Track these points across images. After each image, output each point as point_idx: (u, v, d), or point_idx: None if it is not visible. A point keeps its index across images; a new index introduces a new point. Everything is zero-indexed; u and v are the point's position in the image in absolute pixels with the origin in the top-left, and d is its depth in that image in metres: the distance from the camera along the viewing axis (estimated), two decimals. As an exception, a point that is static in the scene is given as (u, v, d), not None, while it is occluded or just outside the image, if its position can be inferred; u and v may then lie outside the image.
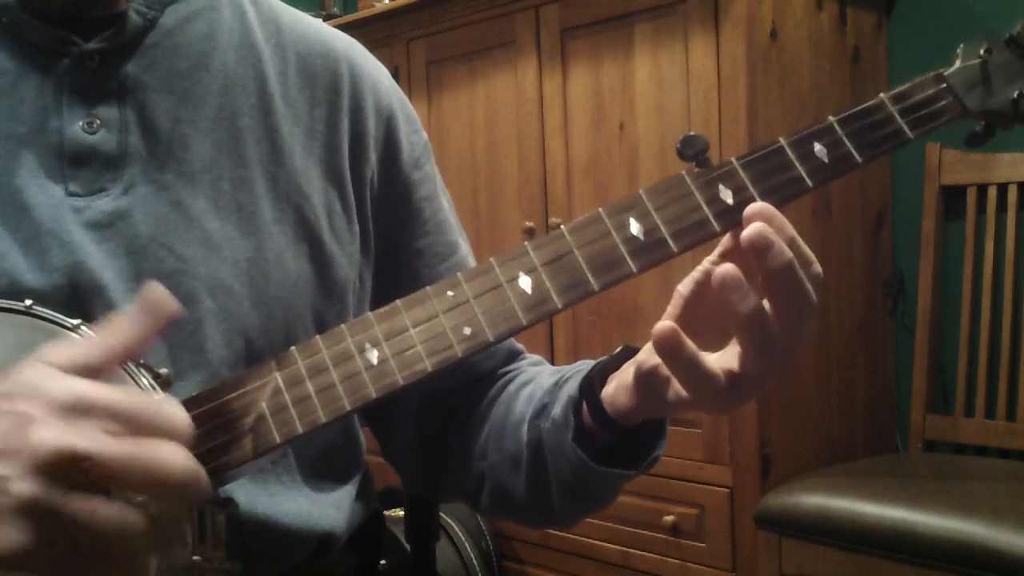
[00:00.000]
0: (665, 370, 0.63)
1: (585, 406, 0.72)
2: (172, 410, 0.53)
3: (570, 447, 0.71)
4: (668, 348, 0.60)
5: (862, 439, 2.17)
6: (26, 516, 0.49)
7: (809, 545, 1.71)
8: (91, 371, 0.54)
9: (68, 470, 0.49)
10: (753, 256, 0.59)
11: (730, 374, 0.61)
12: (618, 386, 0.69)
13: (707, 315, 0.64)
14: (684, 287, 0.65)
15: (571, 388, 0.73)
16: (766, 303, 0.60)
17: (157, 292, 0.57)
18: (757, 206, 0.61)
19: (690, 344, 0.60)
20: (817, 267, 0.61)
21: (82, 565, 0.51)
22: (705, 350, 0.62)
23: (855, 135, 0.65)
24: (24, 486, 0.49)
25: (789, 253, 0.59)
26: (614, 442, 0.72)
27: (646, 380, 0.66)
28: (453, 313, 0.64)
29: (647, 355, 0.66)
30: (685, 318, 0.64)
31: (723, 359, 0.62)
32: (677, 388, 0.64)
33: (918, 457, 2.04)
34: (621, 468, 0.71)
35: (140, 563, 0.52)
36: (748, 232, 0.59)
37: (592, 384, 0.71)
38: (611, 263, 0.63)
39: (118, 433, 0.51)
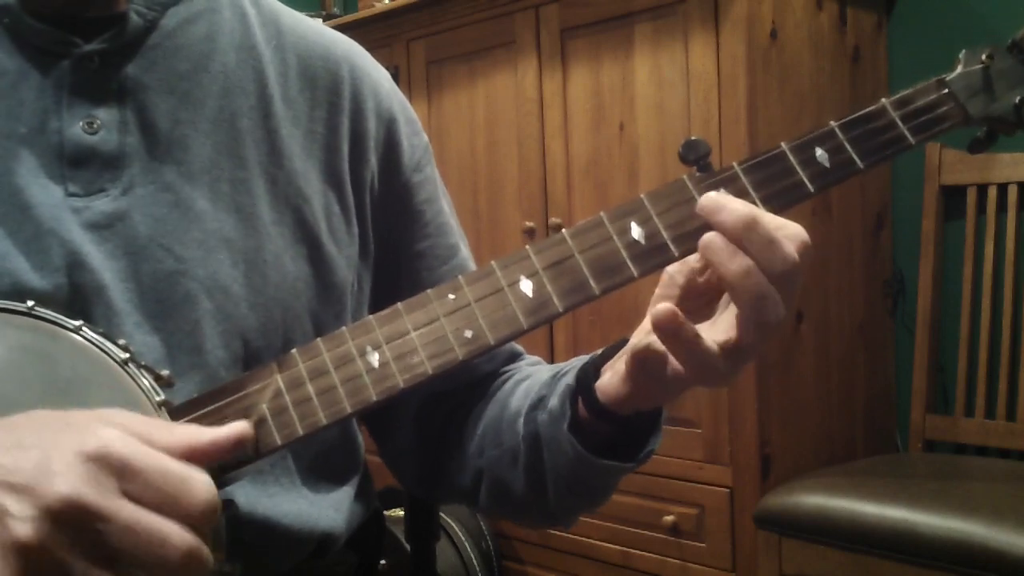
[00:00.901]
0: (660, 349, 0.64)
1: (581, 399, 0.72)
2: (198, 489, 0.53)
3: (566, 437, 0.71)
4: (669, 329, 0.61)
5: (862, 439, 2.17)
6: (20, 556, 0.49)
7: (809, 545, 1.71)
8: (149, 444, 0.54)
9: (77, 523, 0.49)
10: (714, 223, 0.61)
11: (726, 344, 0.62)
12: (612, 375, 0.69)
13: (694, 295, 0.65)
14: (674, 268, 0.66)
15: (568, 380, 0.74)
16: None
17: (243, 427, 0.58)
18: (706, 198, 0.62)
19: (689, 324, 0.61)
20: (793, 227, 0.61)
21: None
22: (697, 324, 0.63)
23: (857, 140, 0.65)
24: (27, 525, 0.49)
25: (743, 207, 0.60)
26: (610, 435, 0.72)
27: (641, 361, 0.66)
28: (454, 316, 0.64)
29: (641, 338, 0.66)
30: (677, 298, 0.65)
31: (715, 330, 0.63)
32: (674, 366, 0.64)
33: (918, 457, 2.04)
34: (616, 461, 0.71)
35: None
36: (698, 204, 0.62)
37: (588, 376, 0.72)
38: (612, 267, 0.63)
39: (137, 497, 0.51)
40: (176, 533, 0.51)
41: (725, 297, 0.65)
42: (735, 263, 0.60)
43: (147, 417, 0.56)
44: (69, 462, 0.50)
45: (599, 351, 0.74)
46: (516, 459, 0.78)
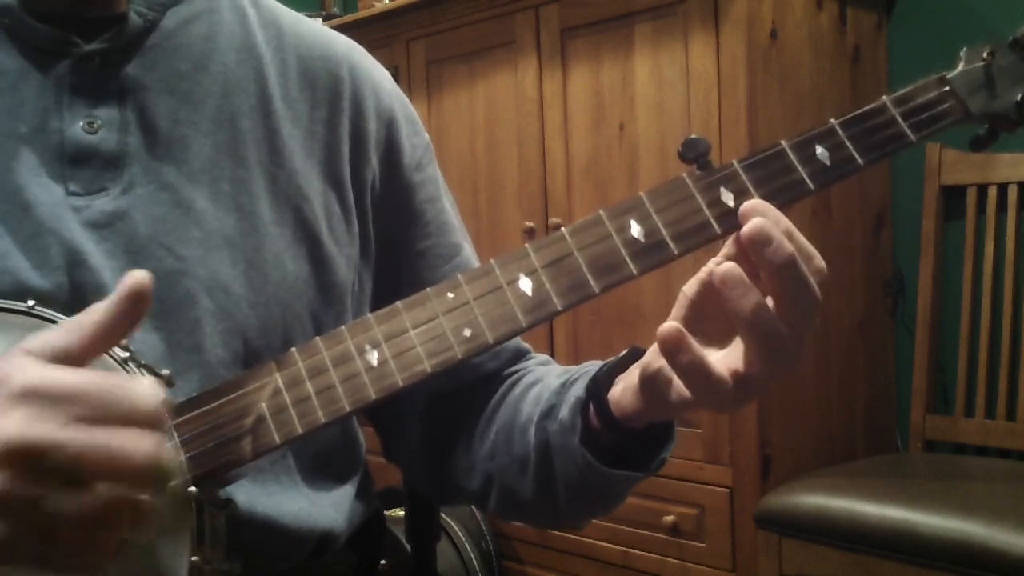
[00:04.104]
0: (668, 371, 0.63)
1: (592, 408, 0.72)
2: (139, 391, 0.53)
3: (577, 449, 0.71)
4: (672, 349, 0.60)
5: (862, 439, 2.17)
6: None
7: (809, 545, 1.71)
8: (70, 358, 0.54)
9: (32, 462, 0.50)
10: (753, 252, 0.59)
11: (735, 374, 0.61)
12: (624, 388, 0.69)
13: (712, 317, 0.64)
14: (689, 288, 0.65)
15: (578, 390, 0.73)
16: (769, 301, 0.60)
17: (136, 275, 0.57)
18: (752, 202, 0.61)
19: (695, 345, 0.60)
20: (820, 261, 0.61)
21: (62, 554, 0.52)
22: (710, 349, 0.62)
23: (857, 138, 0.65)
24: None
25: (789, 246, 0.58)
26: (621, 444, 0.72)
27: (650, 381, 0.65)
28: (453, 315, 0.64)
29: (652, 356, 0.65)
30: (690, 320, 0.64)
31: (728, 359, 0.62)
32: (679, 388, 0.63)
33: (918, 457, 2.04)
34: (628, 470, 0.71)
35: (125, 548, 0.53)
36: (747, 229, 0.59)
37: (599, 386, 0.71)
38: (612, 265, 0.63)
39: (84, 419, 0.51)
40: (132, 440, 0.51)
41: None
42: (748, 300, 0.58)
43: (49, 332, 0.55)
44: (6, 406, 0.50)
45: (611, 360, 0.73)
46: (526, 467, 0.78)
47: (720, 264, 0.60)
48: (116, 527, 0.52)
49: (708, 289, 0.63)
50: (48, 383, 0.51)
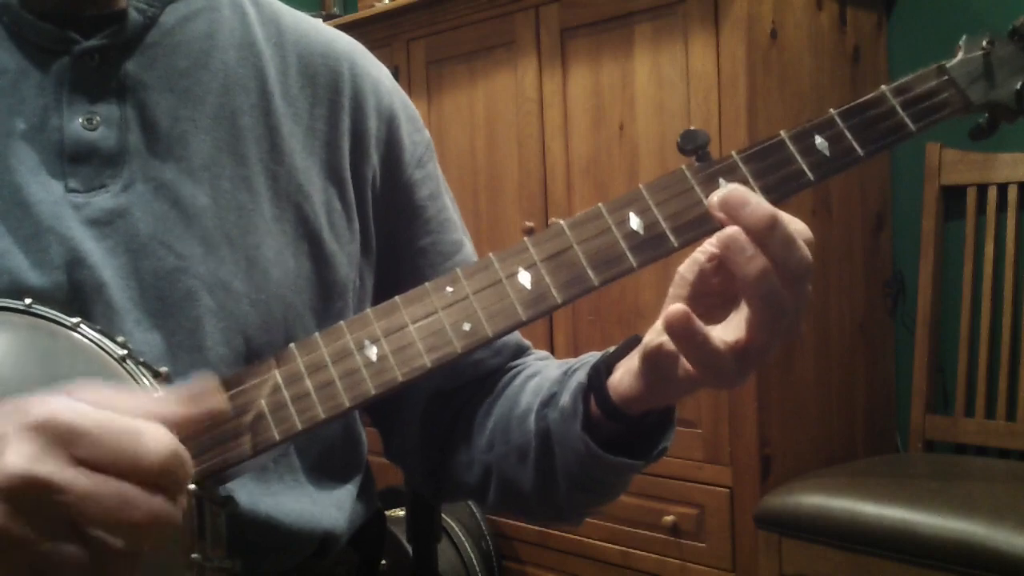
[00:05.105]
0: (671, 348, 0.63)
1: (592, 397, 0.72)
2: (150, 442, 0.50)
3: (578, 436, 0.71)
4: (681, 330, 0.60)
5: (862, 439, 2.17)
6: None
7: (809, 545, 1.71)
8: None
9: (33, 499, 0.48)
10: (732, 215, 0.59)
11: (736, 345, 0.61)
12: (624, 372, 0.69)
13: (708, 294, 0.64)
14: (685, 268, 0.65)
15: (580, 377, 0.73)
16: None
17: (208, 383, 0.56)
18: (714, 200, 0.61)
19: (701, 324, 0.60)
20: (800, 224, 0.61)
21: None
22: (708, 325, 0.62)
23: (857, 128, 0.64)
24: None
25: (765, 204, 0.59)
26: (621, 433, 0.72)
27: (653, 360, 0.65)
28: (452, 309, 0.63)
29: (652, 336, 0.65)
30: (689, 298, 0.64)
31: (727, 331, 0.62)
32: (685, 366, 0.64)
33: (918, 457, 2.04)
34: (628, 459, 0.71)
35: None
36: (719, 194, 0.60)
37: (599, 374, 0.71)
38: (611, 259, 0.63)
39: (91, 461, 0.49)
40: (136, 493, 0.49)
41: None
42: (754, 264, 0.58)
43: (115, 389, 0.54)
44: (15, 438, 0.49)
45: (611, 348, 0.73)
46: (526, 456, 0.78)
47: (724, 230, 0.60)
48: (98, 571, 0.50)
49: (704, 268, 0.64)
50: (62, 417, 0.49)
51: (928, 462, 1.96)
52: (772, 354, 0.62)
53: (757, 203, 0.59)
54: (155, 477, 0.50)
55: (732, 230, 0.59)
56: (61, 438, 0.49)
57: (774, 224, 0.59)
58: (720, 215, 0.60)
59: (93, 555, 0.49)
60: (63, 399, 0.51)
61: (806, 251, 0.60)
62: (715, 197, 0.60)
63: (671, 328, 0.60)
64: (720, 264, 0.63)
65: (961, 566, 1.51)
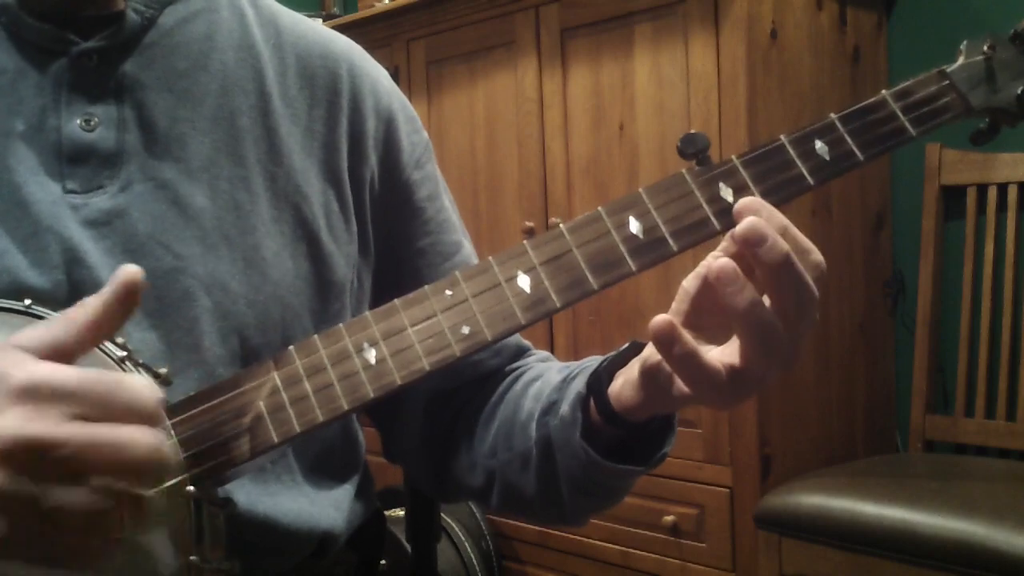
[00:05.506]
0: (668, 368, 0.63)
1: (592, 403, 0.72)
2: (137, 387, 0.53)
3: (579, 444, 0.71)
4: (664, 341, 0.59)
5: (862, 439, 2.17)
6: None
7: (809, 545, 1.71)
8: (62, 352, 0.54)
9: (32, 459, 0.50)
10: (747, 251, 0.58)
11: (731, 369, 0.60)
12: (625, 382, 0.69)
13: (712, 311, 0.64)
14: (689, 283, 0.64)
15: (579, 385, 0.73)
16: (766, 298, 0.59)
17: (127, 269, 0.57)
18: (746, 200, 0.61)
19: (687, 338, 0.59)
20: (817, 256, 0.61)
21: (62, 550, 0.52)
22: (710, 344, 0.62)
23: (857, 133, 0.64)
24: None
25: (784, 245, 0.58)
26: (622, 438, 0.72)
27: (651, 374, 0.66)
28: (451, 312, 0.63)
29: (652, 350, 0.65)
30: (691, 314, 0.64)
31: (725, 353, 0.62)
32: (680, 383, 0.63)
33: (918, 457, 2.04)
34: (630, 464, 0.71)
35: (122, 543, 0.53)
36: (740, 228, 0.58)
37: (599, 381, 0.71)
38: (610, 262, 0.63)
39: (82, 416, 0.51)
40: (132, 435, 0.52)
41: None
42: (743, 296, 0.58)
43: (39, 327, 0.55)
44: (4, 403, 0.51)
45: (611, 353, 0.73)
46: (528, 463, 0.78)
47: (716, 260, 0.59)
48: (114, 521, 0.52)
49: (707, 284, 0.63)
50: (47, 380, 0.52)
51: (928, 462, 1.96)
52: (768, 381, 0.61)
53: (773, 243, 0.58)
54: (146, 419, 0.53)
55: (724, 262, 0.58)
56: (50, 398, 0.51)
57: (786, 263, 0.58)
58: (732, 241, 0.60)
59: (99, 504, 0.51)
60: (29, 359, 0.53)
61: (813, 288, 0.59)
62: (741, 228, 0.58)
63: (655, 337, 0.60)
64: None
65: (961, 566, 1.51)
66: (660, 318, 0.59)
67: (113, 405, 0.52)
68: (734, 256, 0.61)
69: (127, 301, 0.57)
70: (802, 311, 0.59)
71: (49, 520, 0.51)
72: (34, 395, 0.51)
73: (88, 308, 0.56)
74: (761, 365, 0.60)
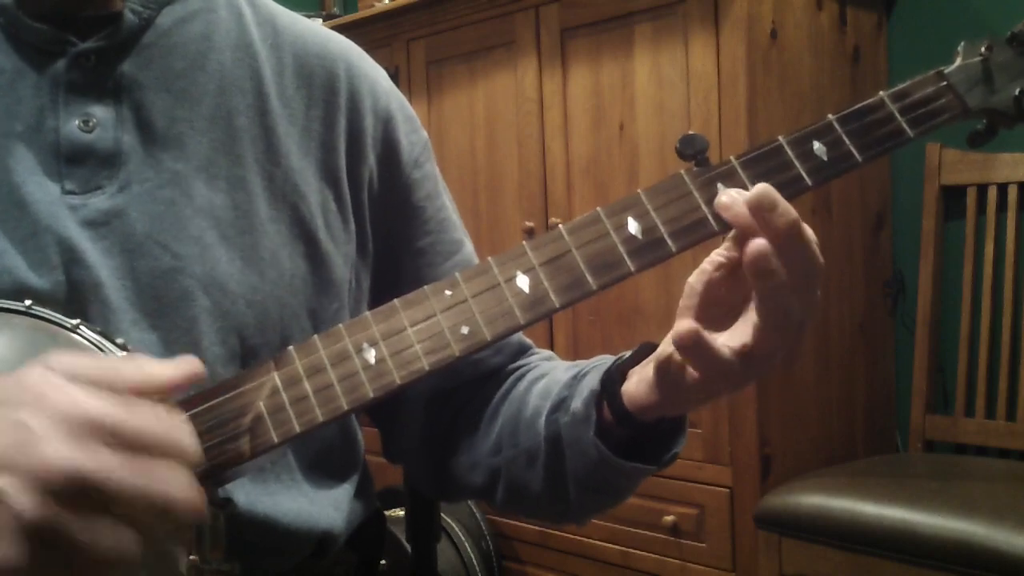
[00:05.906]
0: (679, 358, 0.64)
1: (606, 401, 0.72)
2: (181, 434, 0.53)
3: (590, 441, 0.72)
4: (692, 346, 0.61)
5: (862, 439, 2.17)
6: (25, 534, 0.48)
7: (809, 545, 1.71)
8: (97, 386, 0.53)
9: (77, 493, 0.49)
10: (760, 219, 0.60)
11: (743, 350, 0.62)
12: (639, 381, 0.69)
13: (716, 303, 0.65)
14: (695, 279, 0.65)
15: (592, 382, 0.73)
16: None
17: (195, 364, 0.57)
18: (733, 189, 0.62)
19: (710, 339, 0.61)
20: (810, 231, 0.62)
21: None
22: (715, 333, 0.63)
23: (855, 134, 0.65)
24: (26, 503, 0.48)
25: (793, 210, 0.60)
26: (633, 438, 0.72)
27: (665, 370, 0.66)
28: (451, 313, 0.63)
29: (667, 346, 0.66)
30: (699, 308, 0.65)
31: (733, 337, 0.63)
32: (691, 372, 0.64)
33: (918, 457, 2.04)
34: (639, 463, 0.72)
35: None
36: (752, 193, 0.60)
37: (613, 379, 0.72)
38: (609, 263, 0.63)
39: (126, 454, 0.50)
40: (175, 480, 0.51)
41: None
42: (776, 276, 0.59)
43: (92, 359, 0.55)
44: (52, 431, 0.49)
45: (624, 353, 0.74)
46: (534, 460, 0.78)
47: (730, 251, 0.62)
48: (138, 559, 0.51)
49: (712, 278, 0.64)
50: (90, 413, 0.50)
51: (928, 462, 1.96)
52: (777, 359, 0.62)
53: (785, 208, 0.60)
54: (189, 458, 0.53)
55: (761, 243, 0.59)
56: (99, 432, 0.50)
57: (799, 230, 0.60)
58: (732, 215, 0.61)
59: (136, 545, 0.50)
60: (79, 391, 0.51)
61: (820, 258, 0.61)
62: (754, 193, 0.60)
63: (681, 345, 0.61)
64: (728, 273, 0.63)
65: (961, 566, 1.51)
66: (686, 325, 0.61)
67: (157, 449, 0.51)
68: (729, 257, 0.63)
69: (177, 389, 0.56)
70: (810, 281, 0.61)
71: (78, 553, 0.49)
72: (82, 427, 0.50)
73: (140, 372, 0.55)
74: (774, 344, 0.61)
